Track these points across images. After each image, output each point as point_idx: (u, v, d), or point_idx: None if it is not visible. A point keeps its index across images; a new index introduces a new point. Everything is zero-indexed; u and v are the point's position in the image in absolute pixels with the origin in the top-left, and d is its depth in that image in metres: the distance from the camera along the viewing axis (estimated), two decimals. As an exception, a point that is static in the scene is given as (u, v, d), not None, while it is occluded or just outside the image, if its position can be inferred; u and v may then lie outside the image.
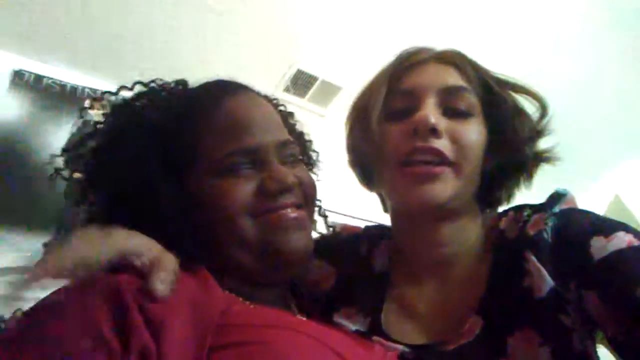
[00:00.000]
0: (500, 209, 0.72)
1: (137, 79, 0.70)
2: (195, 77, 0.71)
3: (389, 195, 0.70)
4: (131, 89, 0.70)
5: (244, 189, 0.59)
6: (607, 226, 0.56)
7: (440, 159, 0.61)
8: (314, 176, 0.76)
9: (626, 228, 0.56)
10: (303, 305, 0.69)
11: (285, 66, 2.48)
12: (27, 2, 2.08)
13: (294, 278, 0.68)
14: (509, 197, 0.72)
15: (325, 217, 0.81)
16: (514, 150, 0.66)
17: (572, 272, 0.55)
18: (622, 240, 0.54)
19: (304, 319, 0.62)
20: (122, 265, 0.47)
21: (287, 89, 2.58)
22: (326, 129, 1.72)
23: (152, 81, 0.70)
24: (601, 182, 3.07)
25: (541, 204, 0.63)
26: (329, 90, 2.64)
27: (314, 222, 0.71)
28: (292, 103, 2.44)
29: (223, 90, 0.66)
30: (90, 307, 0.42)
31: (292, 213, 0.61)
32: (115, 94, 0.69)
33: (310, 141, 0.83)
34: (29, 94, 2.55)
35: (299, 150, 0.70)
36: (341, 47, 2.39)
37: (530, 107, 0.67)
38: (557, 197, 0.63)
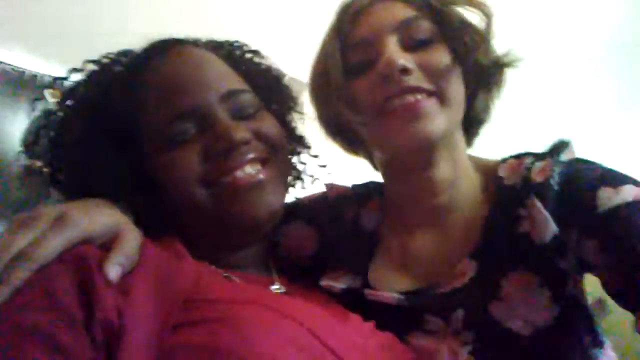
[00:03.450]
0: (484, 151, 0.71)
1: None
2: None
3: (378, 146, 0.67)
4: (82, 70, 0.64)
5: (190, 157, 0.55)
6: (615, 178, 0.56)
7: (421, 92, 0.59)
8: (298, 117, 0.71)
9: (635, 182, 0.55)
10: (285, 268, 0.66)
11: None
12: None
13: (270, 238, 0.65)
14: (487, 115, 0.70)
15: (312, 177, 0.77)
16: (474, 63, 0.63)
17: (576, 220, 0.55)
18: (629, 193, 0.53)
19: (278, 293, 0.59)
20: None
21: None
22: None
23: (102, 57, 0.65)
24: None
25: (545, 152, 0.63)
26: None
27: (289, 171, 0.65)
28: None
29: (150, 52, 0.61)
30: (53, 277, 0.41)
31: (248, 171, 0.56)
32: (65, 79, 0.64)
33: (280, 77, 0.73)
34: (-15, 80, 2.47)
35: (264, 95, 0.64)
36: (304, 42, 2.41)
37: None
38: (561, 145, 0.63)
